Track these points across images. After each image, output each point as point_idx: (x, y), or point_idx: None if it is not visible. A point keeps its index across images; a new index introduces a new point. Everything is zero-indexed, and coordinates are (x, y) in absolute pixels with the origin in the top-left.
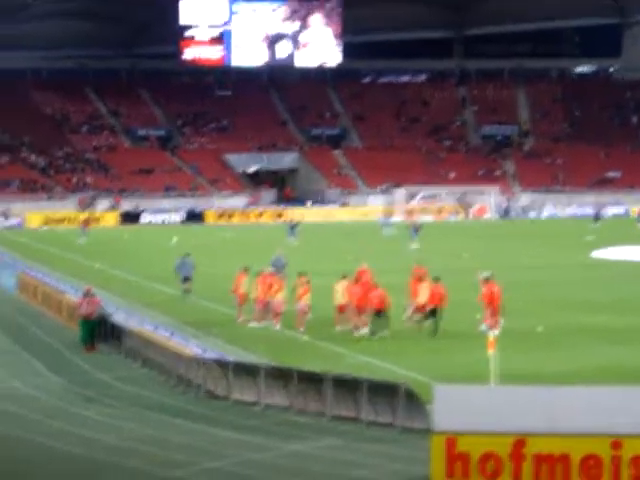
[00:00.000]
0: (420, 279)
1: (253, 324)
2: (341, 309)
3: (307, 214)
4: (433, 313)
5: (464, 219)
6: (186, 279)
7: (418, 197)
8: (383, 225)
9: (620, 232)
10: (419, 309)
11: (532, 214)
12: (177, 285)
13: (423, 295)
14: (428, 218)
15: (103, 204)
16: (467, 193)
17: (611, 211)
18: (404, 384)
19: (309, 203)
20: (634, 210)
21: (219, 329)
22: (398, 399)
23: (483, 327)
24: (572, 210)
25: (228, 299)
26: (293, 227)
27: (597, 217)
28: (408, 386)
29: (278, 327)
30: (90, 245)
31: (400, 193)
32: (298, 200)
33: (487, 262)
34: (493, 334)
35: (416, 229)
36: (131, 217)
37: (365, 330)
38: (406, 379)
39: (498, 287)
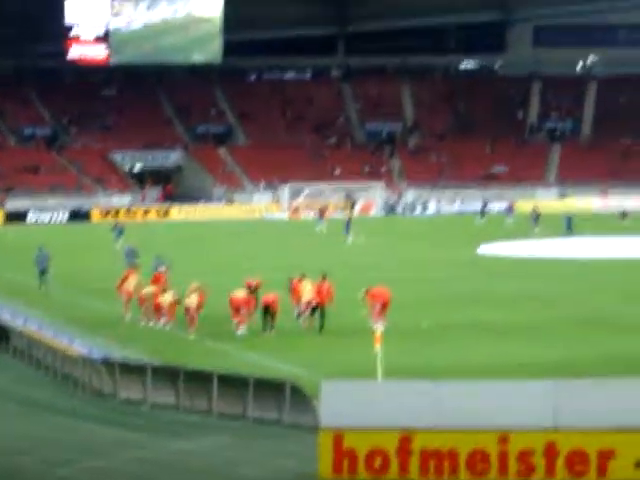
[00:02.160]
0: (300, 279)
1: (144, 323)
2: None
3: (193, 212)
4: (320, 310)
5: (350, 216)
6: (43, 272)
7: (303, 194)
8: (317, 222)
9: (506, 227)
10: (306, 306)
11: (418, 210)
12: (35, 277)
13: (307, 293)
14: (313, 215)
15: None
16: (352, 190)
17: (497, 206)
18: (290, 381)
19: (202, 201)
20: (521, 205)
21: (107, 329)
22: (285, 396)
23: (371, 323)
24: (458, 206)
25: (112, 296)
26: (120, 230)
27: (483, 212)
28: (294, 382)
29: (168, 326)
30: None
31: (285, 190)
32: (185, 198)
33: (374, 258)
34: (380, 330)
35: (348, 223)
36: (17, 216)
37: (244, 330)
38: (293, 376)
39: (384, 288)
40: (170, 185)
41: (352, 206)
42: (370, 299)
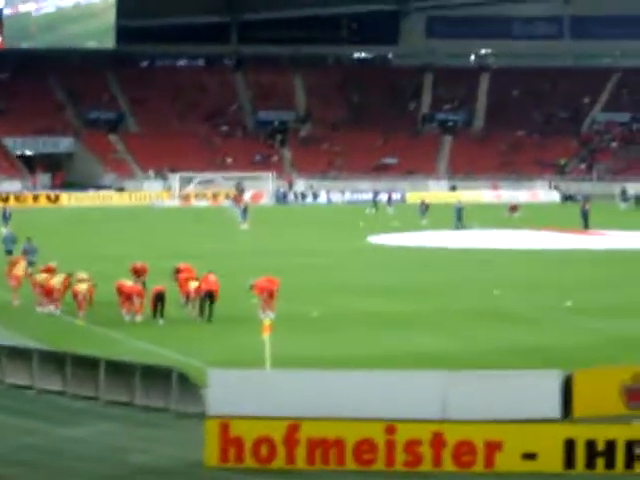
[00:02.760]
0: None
1: (39, 309)
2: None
3: (84, 199)
4: (209, 298)
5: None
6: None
7: (194, 182)
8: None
9: (397, 218)
10: (195, 293)
11: (308, 200)
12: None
13: (192, 283)
14: (204, 203)
15: None
16: (243, 179)
17: (388, 197)
18: (177, 368)
19: (92, 188)
20: (411, 196)
21: None
22: (171, 383)
23: (259, 314)
24: (349, 196)
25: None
26: (7, 216)
27: (375, 203)
28: (181, 370)
29: (58, 312)
30: None
31: (175, 178)
32: (75, 185)
33: (266, 245)
34: (268, 318)
35: (244, 210)
36: None
37: (139, 317)
38: (182, 364)
39: (271, 278)
40: (61, 172)
41: (241, 194)
42: (257, 291)
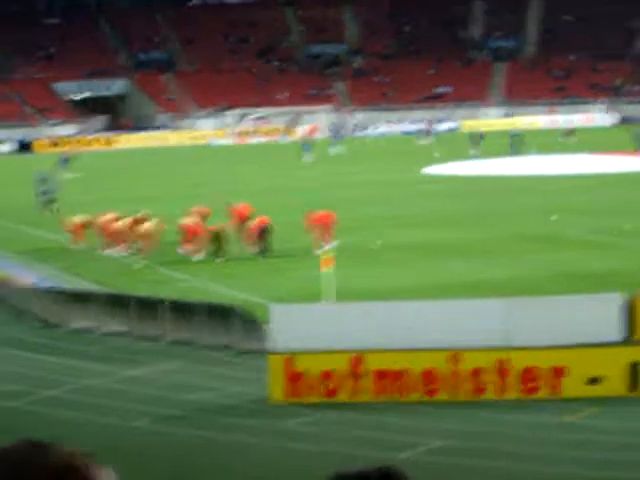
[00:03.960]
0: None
1: (105, 252)
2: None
3: (139, 140)
4: (265, 233)
5: (291, 140)
6: (50, 200)
7: (249, 119)
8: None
9: (451, 147)
10: (255, 229)
11: (364, 132)
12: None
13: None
14: (260, 139)
15: None
16: (298, 114)
17: (442, 127)
18: (239, 306)
19: (147, 129)
20: (466, 125)
21: (56, 259)
22: (234, 321)
23: (316, 247)
24: (403, 127)
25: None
26: (66, 160)
27: (428, 133)
28: (243, 308)
29: (126, 254)
30: None
31: (229, 116)
32: (136, 128)
33: (326, 179)
34: (327, 251)
35: (308, 145)
36: None
37: (200, 255)
38: (244, 301)
39: (325, 212)
40: (125, 119)
41: (291, 130)
42: (310, 224)
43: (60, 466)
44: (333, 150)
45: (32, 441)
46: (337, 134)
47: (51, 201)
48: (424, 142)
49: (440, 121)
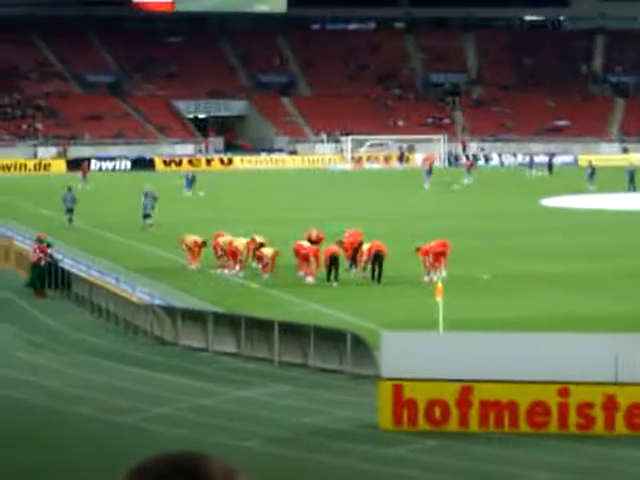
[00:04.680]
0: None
1: (220, 271)
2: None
3: (256, 162)
4: (378, 260)
5: (406, 167)
6: (69, 210)
7: (366, 145)
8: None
9: (570, 181)
10: (367, 255)
11: (481, 162)
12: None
13: (364, 245)
14: (376, 166)
15: (51, 151)
16: (411, 142)
17: (560, 160)
18: (351, 331)
19: (264, 153)
20: (583, 159)
21: (170, 277)
22: (345, 345)
23: (428, 275)
24: (520, 159)
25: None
26: (191, 179)
27: (550, 166)
28: (355, 332)
29: (241, 274)
30: (40, 192)
31: (347, 141)
32: (255, 150)
33: (443, 209)
34: (440, 281)
35: (429, 171)
36: (79, 164)
37: (311, 279)
38: (355, 326)
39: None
40: (234, 133)
41: (402, 157)
42: (421, 254)
43: (226, 472)
44: (466, 181)
45: (195, 451)
46: (453, 163)
47: (146, 216)
48: (536, 175)
49: (560, 154)
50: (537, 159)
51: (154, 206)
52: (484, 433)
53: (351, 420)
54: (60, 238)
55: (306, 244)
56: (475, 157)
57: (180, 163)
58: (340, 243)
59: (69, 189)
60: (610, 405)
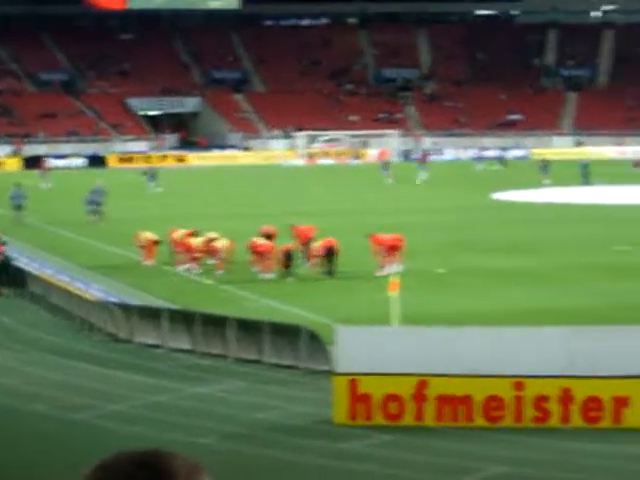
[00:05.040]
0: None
1: (178, 268)
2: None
3: (210, 158)
4: (331, 254)
5: (360, 162)
6: (17, 207)
7: (320, 141)
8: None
9: (523, 175)
10: (321, 251)
11: (434, 157)
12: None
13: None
14: (329, 161)
15: (5, 149)
16: (365, 138)
17: (513, 154)
18: (306, 326)
19: (217, 148)
20: (536, 152)
21: (124, 274)
22: (300, 341)
23: (381, 268)
24: (473, 153)
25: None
26: (152, 175)
27: (501, 159)
28: (310, 328)
29: (198, 271)
30: None
31: (300, 137)
32: (209, 146)
33: (392, 203)
34: (393, 275)
35: (385, 166)
36: (34, 162)
37: (268, 275)
38: (308, 321)
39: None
40: (186, 130)
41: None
42: (375, 244)
43: (189, 469)
44: (420, 176)
45: (158, 448)
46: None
47: (95, 212)
48: (494, 168)
49: (513, 148)
50: (489, 153)
51: (100, 203)
52: (440, 427)
53: (306, 416)
54: (12, 236)
55: (261, 240)
56: (427, 152)
57: (134, 160)
58: (292, 231)
59: (17, 186)
60: (565, 398)
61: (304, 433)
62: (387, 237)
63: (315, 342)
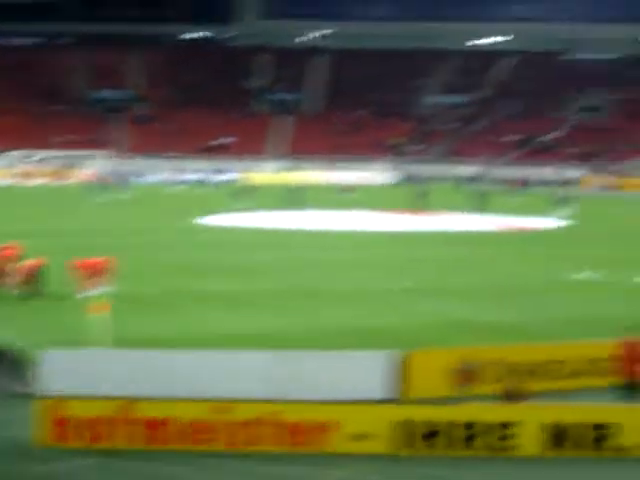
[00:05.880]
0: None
1: None
2: None
3: None
4: (34, 276)
5: (70, 182)
6: None
7: (32, 160)
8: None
9: (228, 200)
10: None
11: (140, 179)
12: None
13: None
14: (39, 181)
15: None
16: (78, 158)
17: (220, 177)
18: (8, 348)
19: None
20: (244, 176)
21: None
22: (3, 364)
23: (84, 291)
24: (181, 176)
25: None
26: None
27: (205, 183)
28: (13, 350)
29: None
30: None
31: (12, 157)
32: None
33: (107, 224)
34: (98, 297)
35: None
36: None
37: None
38: (11, 343)
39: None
40: None
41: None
42: (75, 269)
43: None
44: (121, 196)
45: None
46: (121, 180)
47: None
48: (199, 192)
49: (220, 172)
50: (195, 176)
51: None
52: (147, 451)
53: (4, 438)
54: None
55: None
56: (130, 174)
57: None
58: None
59: None
60: (271, 422)
61: (5, 457)
62: (90, 260)
63: (18, 365)
